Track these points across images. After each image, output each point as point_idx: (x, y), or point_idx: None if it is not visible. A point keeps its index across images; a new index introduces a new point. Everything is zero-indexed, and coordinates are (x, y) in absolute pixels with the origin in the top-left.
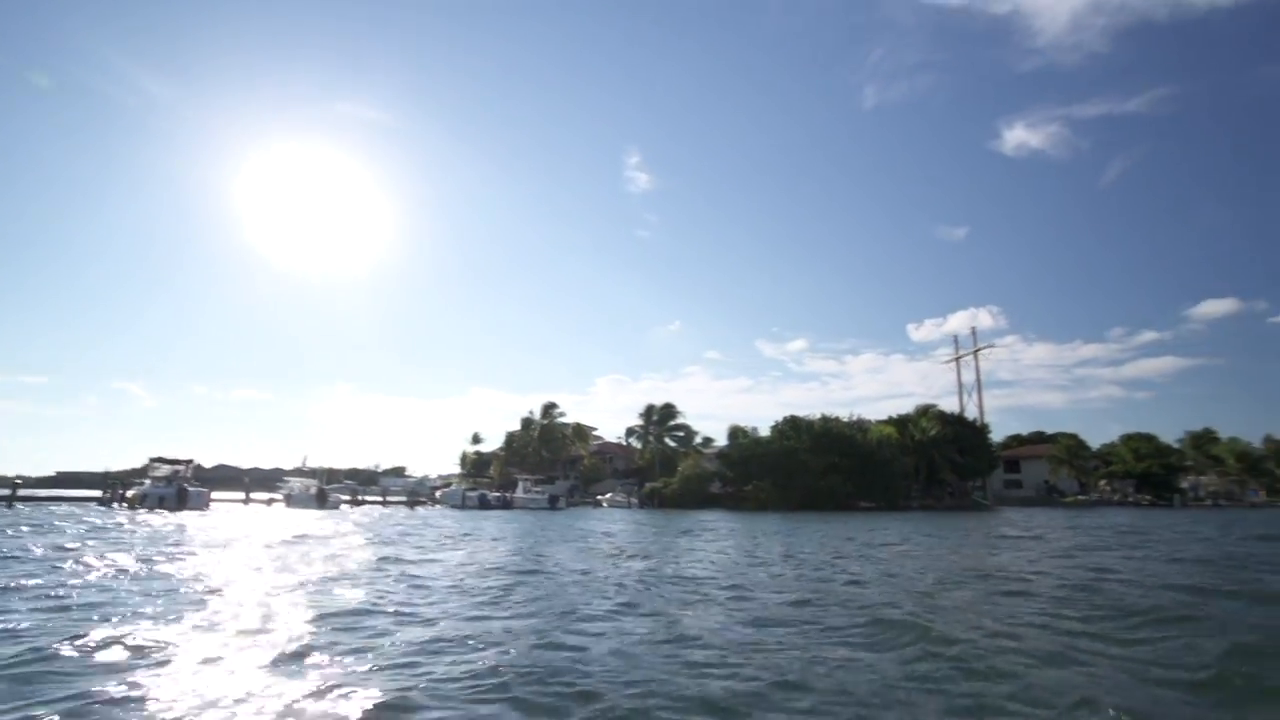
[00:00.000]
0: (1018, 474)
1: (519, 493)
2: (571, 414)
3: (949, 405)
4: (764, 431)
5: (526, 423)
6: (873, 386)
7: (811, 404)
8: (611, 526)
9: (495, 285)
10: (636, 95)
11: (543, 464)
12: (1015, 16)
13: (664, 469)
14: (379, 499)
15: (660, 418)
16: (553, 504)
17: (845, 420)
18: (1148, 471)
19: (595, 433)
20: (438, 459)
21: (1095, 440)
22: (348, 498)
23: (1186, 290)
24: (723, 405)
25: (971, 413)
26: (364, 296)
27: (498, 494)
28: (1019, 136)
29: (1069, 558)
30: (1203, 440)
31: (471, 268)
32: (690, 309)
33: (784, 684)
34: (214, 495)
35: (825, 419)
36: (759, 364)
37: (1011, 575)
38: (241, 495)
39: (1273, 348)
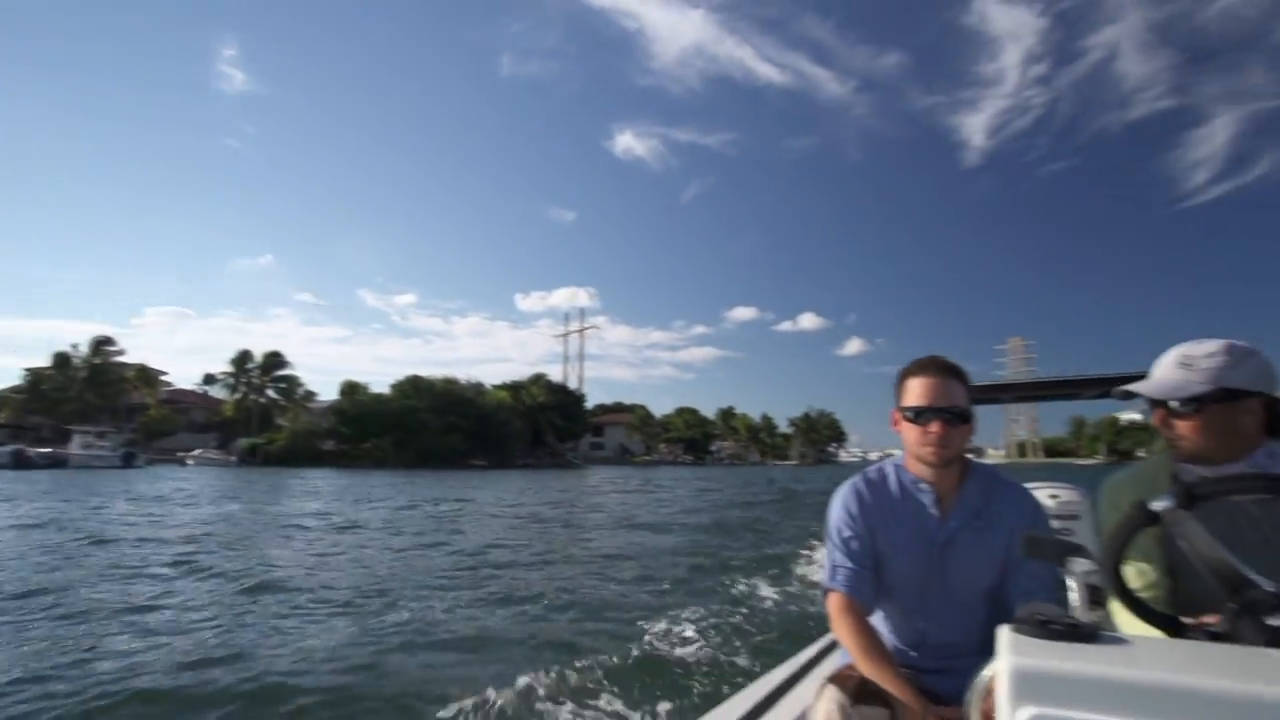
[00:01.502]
0: (602, 438)
1: (74, 447)
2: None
3: (547, 373)
4: (375, 388)
5: (63, 360)
6: (475, 349)
7: (412, 361)
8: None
9: None
10: None
11: (88, 412)
12: (639, 36)
13: (263, 423)
14: None
15: (263, 367)
16: (128, 462)
17: (465, 383)
18: (693, 438)
19: (164, 378)
20: None
21: (657, 411)
22: None
23: (726, 296)
24: (311, 354)
25: (573, 383)
26: None
27: (45, 449)
28: (627, 142)
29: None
30: (728, 415)
31: None
32: (286, 243)
33: None
34: None
35: (447, 381)
36: (360, 314)
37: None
38: None
39: (774, 349)
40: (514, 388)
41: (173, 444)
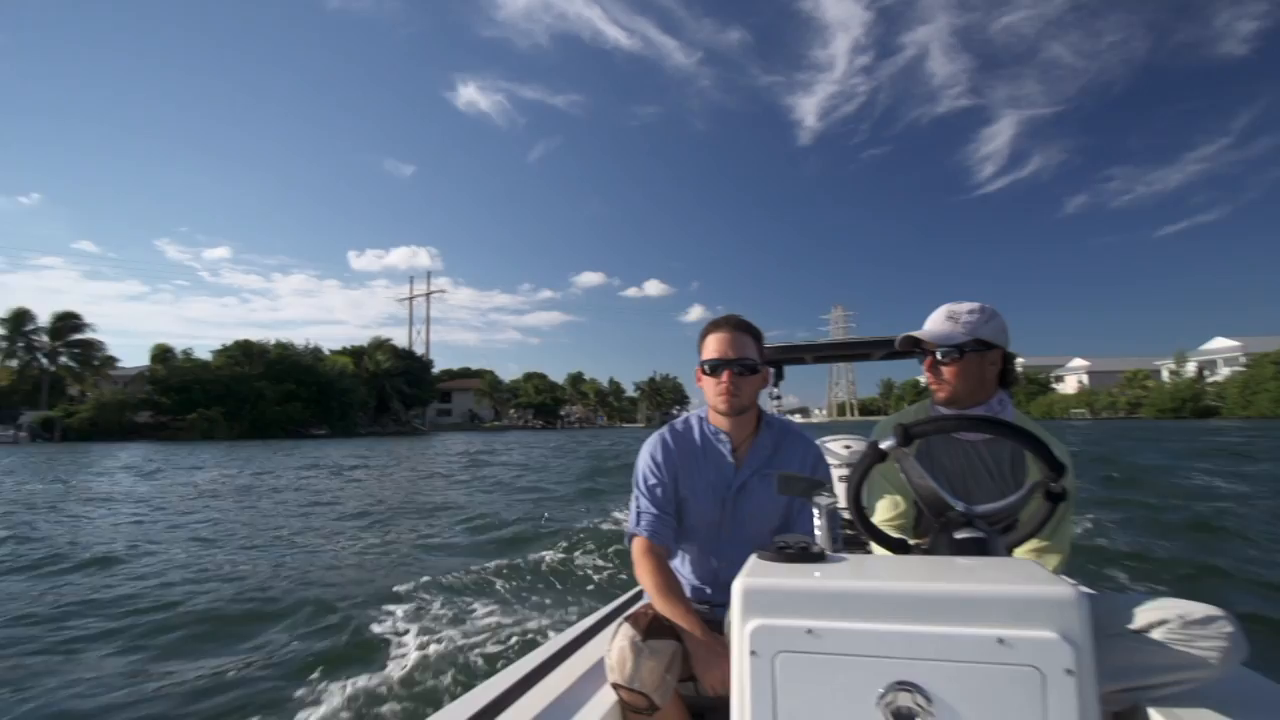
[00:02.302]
0: (449, 404)
1: None
2: None
3: (386, 336)
4: (195, 354)
5: None
6: (302, 310)
7: (227, 322)
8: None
9: None
10: None
11: None
12: None
13: (53, 394)
14: None
15: (54, 330)
16: None
17: (302, 348)
18: (543, 403)
19: None
20: None
21: (503, 376)
22: None
23: (573, 261)
24: (97, 313)
25: (419, 348)
26: None
27: None
28: (471, 95)
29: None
30: (577, 380)
31: None
32: (59, 181)
33: None
34: None
35: (282, 345)
36: (159, 268)
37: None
38: None
39: (621, 314)
40: (356, 353)
41: None
